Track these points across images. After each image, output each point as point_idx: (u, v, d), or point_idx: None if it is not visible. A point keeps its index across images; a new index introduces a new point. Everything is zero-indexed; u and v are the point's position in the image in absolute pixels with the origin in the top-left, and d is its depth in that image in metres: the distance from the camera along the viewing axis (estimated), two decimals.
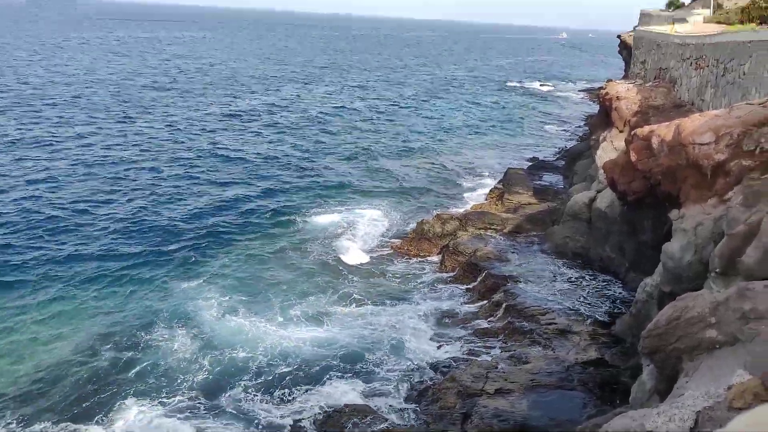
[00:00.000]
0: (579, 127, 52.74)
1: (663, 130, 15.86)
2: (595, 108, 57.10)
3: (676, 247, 12.41)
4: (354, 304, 19.38)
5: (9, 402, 13.92)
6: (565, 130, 52.00)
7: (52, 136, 38.26)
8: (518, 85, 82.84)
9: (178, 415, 13.67)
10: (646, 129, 17.27)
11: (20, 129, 39.61)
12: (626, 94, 25.40)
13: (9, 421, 13.28)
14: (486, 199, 29.65)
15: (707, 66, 20.74)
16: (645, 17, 47.55)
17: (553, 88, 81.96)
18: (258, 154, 37.38)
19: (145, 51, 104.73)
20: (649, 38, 32.69)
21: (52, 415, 13.51)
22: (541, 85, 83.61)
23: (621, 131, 24.15)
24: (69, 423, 13.27)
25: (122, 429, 13.12)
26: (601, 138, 27.53)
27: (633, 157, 16.88)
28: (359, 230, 26.13)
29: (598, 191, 22.26)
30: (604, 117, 31.76)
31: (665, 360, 8.32)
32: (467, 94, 70.13)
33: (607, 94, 29.82)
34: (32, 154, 34.04)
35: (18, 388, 14.43)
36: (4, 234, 23.35)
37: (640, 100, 23.46)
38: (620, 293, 18.52)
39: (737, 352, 7.56)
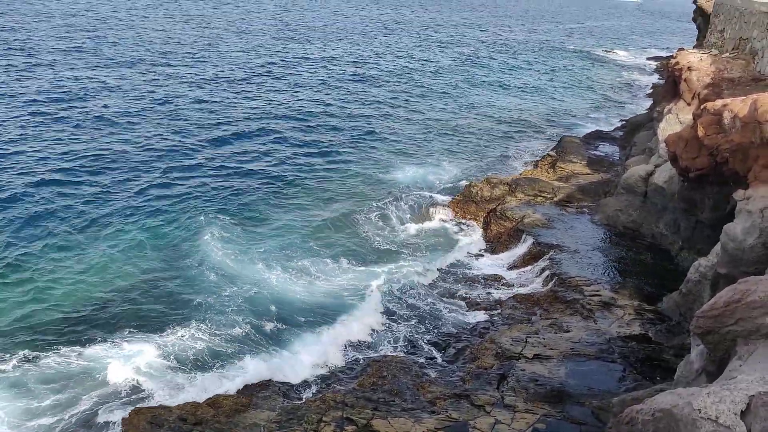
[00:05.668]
0: (642, 97, 50.26)
1: (737, 105, 14.95)
2: (660, 78, 54.08)
3: (738, 229, 11.91)
4: (393, 262, 19.60)
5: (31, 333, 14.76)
6: (627, 99, 49.74)
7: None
8: (583, 49, 79.08)
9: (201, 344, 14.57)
10: (719, 103, 16.30)
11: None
12: (698, 65, 23.86)
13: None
14: (537, 166, 28.97)
15: None
16: None
17: (619, 54, 77.91)
18: (289, 106, 37.08)
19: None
20: (731, 5, 30.41)
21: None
22: (605, 51, 79.52)
23: (689, 104, 22.85)
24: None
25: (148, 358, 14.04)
26: (665, 110, 26.14)
27: (700, 131, 16.04)
28: (405, 189, 26.11)
29: (657, 165, 21.37)
30: (671, 88, 30.03)
31: (719, 342, 8.13)
32: (529, 57, 67.57)
33: (677, 63, 28.08)
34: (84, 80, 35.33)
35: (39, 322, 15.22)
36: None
37: (713, 72, 22.04)
38: (669, 271, 18.02)
39: None
